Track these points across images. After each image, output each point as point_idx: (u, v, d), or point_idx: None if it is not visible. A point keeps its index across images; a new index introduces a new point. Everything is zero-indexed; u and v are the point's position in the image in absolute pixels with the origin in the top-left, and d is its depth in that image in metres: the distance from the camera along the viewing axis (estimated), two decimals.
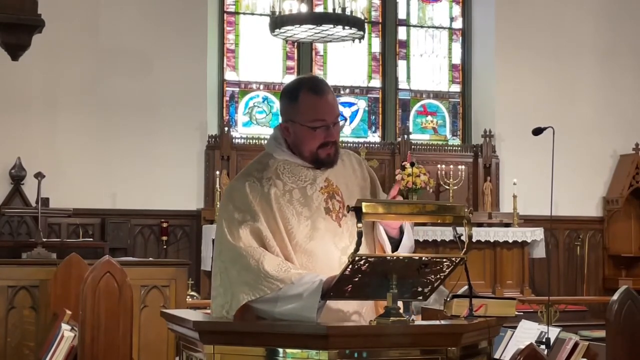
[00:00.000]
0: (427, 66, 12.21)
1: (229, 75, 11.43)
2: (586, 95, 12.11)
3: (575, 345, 4.53)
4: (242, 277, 3.14)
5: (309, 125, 3.26)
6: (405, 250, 3.37)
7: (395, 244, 3.38)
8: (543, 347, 4.54)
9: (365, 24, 10.07)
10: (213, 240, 9.93)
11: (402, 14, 12.13)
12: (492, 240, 11.04)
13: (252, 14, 11.53)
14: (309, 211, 3.28)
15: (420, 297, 3.21)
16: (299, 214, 3.26)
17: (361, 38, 9.70)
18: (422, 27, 12.22)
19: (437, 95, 12.25)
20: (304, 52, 11.58)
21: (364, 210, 2.95)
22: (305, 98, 3.27)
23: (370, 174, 3.54)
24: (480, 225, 11.19)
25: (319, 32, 9.35)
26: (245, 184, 3.26)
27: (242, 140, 11.04)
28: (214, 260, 3.33)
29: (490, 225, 11.32)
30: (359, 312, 3.31)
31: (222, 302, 3.21)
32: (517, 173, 11.34)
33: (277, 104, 11.55)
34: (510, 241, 11.11)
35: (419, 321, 3.26)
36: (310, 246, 3.24)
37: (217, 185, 10.40)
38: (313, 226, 3.27)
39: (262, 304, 3.13)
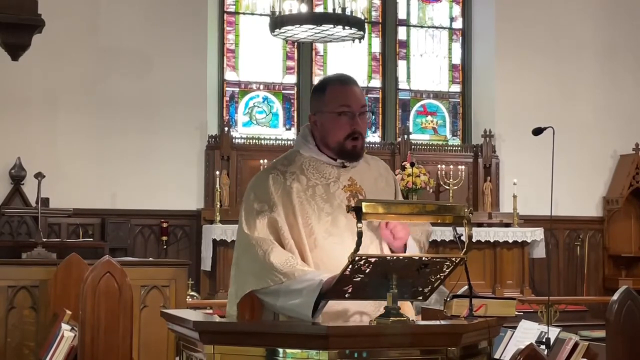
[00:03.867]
0: (427, 66, 12.21)
1: (229, 75, 11.43)
2: (586, 95, 12.12)
3: (575, 345, 4.54)
4: (249, 267, 3.21)
5: (335, 111, 3.32)
6: None
7: None
8: (543, 347, 4.54)
9: (365, 24, 10.07)
10: (213, 240, 10.02)
11: (402, 14, 12.13)
12: (492, 240, 11.05)
13: (252, 14, 11.53)
14: (331, 207, 3.32)
15: (420, 297, 3.21)
16: (320, 209, 3.30)
17: (361, 38, 9.70)
18: (422, 27, 12.23)
19: (437, 95, 12.26)
20: (304, 52, 11.58)
21: (364, 210, 2.96)
22: (332, 88, 3.37)
23: (395, 182, 3.61)
24: (480, 225, 11.20)
25: (319, 32, 9.35)
26: (269, 176, 3.33)
27: (242, 140, 11.04)
28: (234, 250, 3.40)
29: (490, 225, 11.32)
30: (365, 312, 3.31)
31: (233, 291, 3.28)
32: (517, 173, 11.34)
33: (277, 104, 11.58)
34: (510, 241, 11.11)
35: (419, 321, 3.26)
36: (329, 242, 3.27)
37: (217, 185, 10.40)
38: (333, 223, 3.30)
39: (265, 296, 3.19)
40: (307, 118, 3.48)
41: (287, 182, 3.31)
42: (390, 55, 11.97)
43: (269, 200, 3.28)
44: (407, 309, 3.37)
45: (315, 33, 9.38)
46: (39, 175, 8.36)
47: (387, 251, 3.40)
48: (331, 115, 3.33)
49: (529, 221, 11.27)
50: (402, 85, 12.09)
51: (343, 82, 3.39)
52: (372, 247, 3.34)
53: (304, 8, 9.51)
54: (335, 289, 3.02)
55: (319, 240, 3.28)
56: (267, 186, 3.31)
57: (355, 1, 9.22)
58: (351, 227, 3.27)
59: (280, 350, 2.93)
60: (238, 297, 3.22)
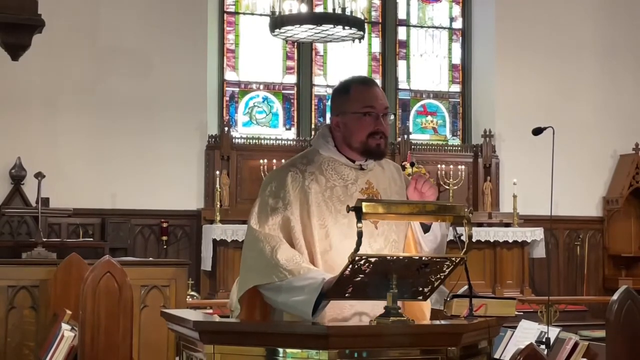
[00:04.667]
0: (427, 66, 12.21)
1: (229, 75, 11.43)
2: (586, 95, 12.12)
3: (575, 345, 4.54)
4: (254, 262, 3.22)
5: (359, 111, 3.34)
6: (433, 236, 3.44)
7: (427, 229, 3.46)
8: (543, 347, 4.55)
9: (365, 24, 10.07)
10: (213, 240, 10.02)
11: (402, 14, 12.13)
12: (492, 240, 11.04)
13: (252, 14, 11.53)
14: None
15: (420, 297, 3.21)
16: (337, 211, 3.31)
17: (361, 38, 9.70)
18: (422, 27, 12.23)
19: (437, 95, 12.26)
20: (304, 52, 11.58)
21: (364, 210, 2.96)
22: (356, 89, 3.40)
23: (406, 179, 3.63)
24: (480, 225, 11.19)
25: (319, 32, 9.35)
26: (288, 173, 3.34)
27: (242, 140, 11.04)
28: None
29: (490, 225, 11.32)
30: (367, 313, 3.32)
31: (238, 285, 3.31)
32: (517, 173, 11.34)
33: (276, 104, 11.58)
34: (510, 241, 11.11)
35: (419, 321, 3.26)
36: (344, 245, 3.26)
37: (217, 185, 10.40)
38: (350, 225, 3.29)
39: (267, 291, 3.20)
40: (330, 120, 3.48)
41: (305, 182, 3.32)
42: (390, 55, 11.97)
43: (284, 198, 3.29)
44: (424, 309, 3.39)
45: (315, 33, 9.38)
46: (39, 175, 8.37)
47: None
48: (355, 116, 3.35)
49: (529, 221, 11.27)
50: (402, 85, 12.08)
51: (366, 83, 3.43)
52: (385, 251, 3.35)
53: (304, 8, 9.52)
54: (335, 288, 3.02)
55: (334, 243, 3.28)
56: (284, 183, 3.31)
57: (355, 1, 9.22)
58: (368, 230, 3.31)
59: (280, 350, 2.93)
60: (241, 291, 3.24)
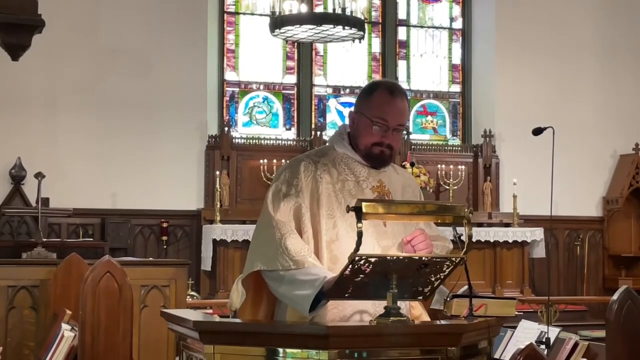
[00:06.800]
0: (427, 66, 12.21)
1: (229, 76, 11.43)
2: (586, 95, 12.12)
3: (575, 345, 4.54)
4: (263, 247, 3.27)
5: (371, 119, 3.37)
6: None
7: None
8: (543, 347, 4.55)
9: (365, 24, 10.07)
10: (213, 240, 10.02)
11: (402, 14, 12.13)
12: (492, 240, 11.04)
13: (252, 14, 11.53)
14: None
15: (420, 297, 3.22)
16: (346, 204, 3.30)
17: (361, 38, 9.70)
18: (422, 27, 12.23)
19: (437, 95, 12.26)
20: (304, 52, 11.58)
21: (364, 210, 2.96)
22: (379, 95, 3.41)
23: (420, 192, 3.68)
24: (480, 225, 11.19)
25: (319, 32, 9.35)
26: (301, 163, 3.41)
27: (242, 140, 11.04)
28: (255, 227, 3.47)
29: (490, 225, 11.31)
30: (368, 311, 3.32)
31: (245, 267, 3.34)
32: (517, 173, 11.34)
33: (276, 104, 11.57)
34: (510, 241, 11.11)
35: (419, 321, 3.26)
36: (351, 237, 3.24)
37: (217, 185, 10.40)
38: None
39: (270, 280, 3.24)
40: (349, 113, 3.53)
41: (317, 172, 3.37)
42: (390, 55, 11.97)
43: (297, 186, 3.34)
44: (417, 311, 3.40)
45: (315, 33, 9.38)
46: (39, 175, 8.36)
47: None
48: (367, 121, 3.39)
49: (529, 221, 11.27)
50: (402, 85, 11.97)
51: (391, 92, 3.41)
52: (393, 249, 3.36)
53: (304, 8, 9.51)
54: (335, 288, 3.03)
55: (341, 234, 3.31)
56: (297, 172, 3.37)
57: (355, 1, 9.22)
58: (376, 227, 3.35)
59: (280, 350, 2.93)
60: (246, 273, 3.28)
